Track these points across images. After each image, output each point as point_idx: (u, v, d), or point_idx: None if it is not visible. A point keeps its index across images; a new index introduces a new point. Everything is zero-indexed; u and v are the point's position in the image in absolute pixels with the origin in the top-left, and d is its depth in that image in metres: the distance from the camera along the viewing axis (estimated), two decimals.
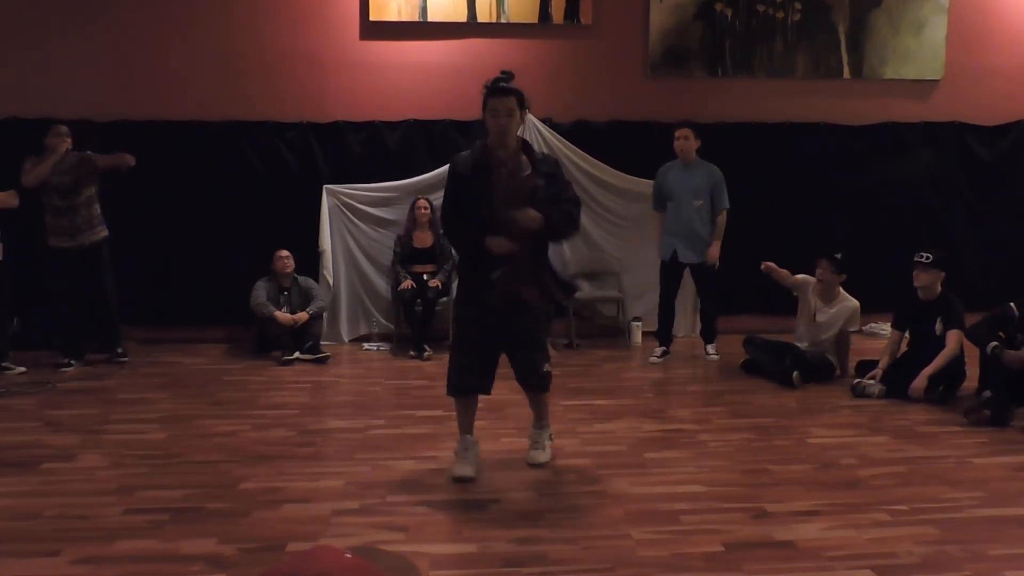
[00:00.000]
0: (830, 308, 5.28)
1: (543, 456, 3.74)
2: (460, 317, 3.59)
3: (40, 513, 3.13)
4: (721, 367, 5.69)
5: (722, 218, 5.76)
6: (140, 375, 5.43)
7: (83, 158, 5.52)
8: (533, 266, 3.42)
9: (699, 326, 6.28)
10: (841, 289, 5.32)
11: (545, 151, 6.40)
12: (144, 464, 3.67)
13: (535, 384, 3.64)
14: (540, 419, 3.78)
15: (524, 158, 3.44)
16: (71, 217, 5.50)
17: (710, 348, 5.94)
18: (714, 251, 5.73)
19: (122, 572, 2.68)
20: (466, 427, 3.64)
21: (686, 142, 5.72)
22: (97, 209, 5.62)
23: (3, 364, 5.36)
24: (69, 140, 5.52)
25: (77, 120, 6.09)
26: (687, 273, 5.97)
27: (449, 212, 3.50)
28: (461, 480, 3.48)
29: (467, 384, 3.56)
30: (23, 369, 5.36)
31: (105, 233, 5.67)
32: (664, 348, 5.95)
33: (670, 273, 5.88)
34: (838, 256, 5.26)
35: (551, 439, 3.82)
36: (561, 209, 3.39)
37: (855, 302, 5.27)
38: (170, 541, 2.89)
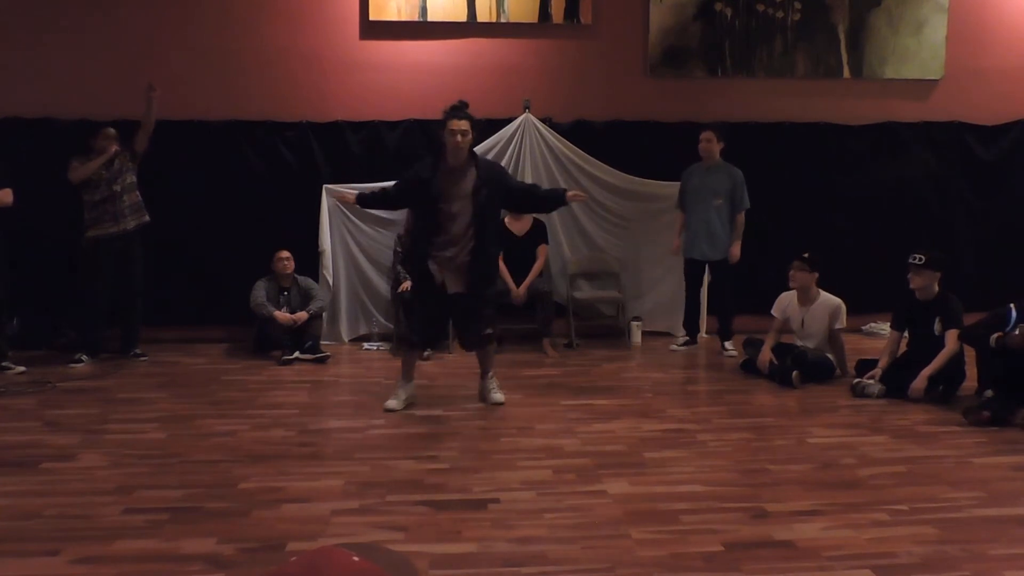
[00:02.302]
0: (811, 309, 5.28)
1: (502, 395, 4.63)
2: (420, 290, 4.47)
3: (40, 512, 3.12)
4: (721, 367, 5.69)
5: (741, 218, 5.98)
6: (140, 375, 5.44)
7: (131, 153, 5.74)
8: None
9: (700, 328, 6.41)
10: (820, 290, 5.32)
11: (544, 151, 6.44)
12: (144, 464, 3.67)
13: (479, 343, 4.57)
14: (487, 370, 4.65)
15: (472, 166, 4.35)
16: (115, 203, 5.64)
17: (727, 344, 6.04)
18: (735, 250, 5.98)
19: (121, 572, 2.68)
20: (409, 375, 4.58)
21: (709, 144, 5.97)
22: (138, 195, 5.76)
23: (2, 364, 5.36)
24: (116, 146, 5.66)
25: (77, 120, 6.10)
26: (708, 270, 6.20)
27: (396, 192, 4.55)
28: (388, 411, 4.42)
29: (422, 342, 4.64)
30: (23, 369, 5.36)
31: (147, 219, 5.81)
32: (688, 337, 6.21)
33: (692, 270, 6.14)
34: (806, 255, 5.27)
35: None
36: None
37: (837, 300, 5.27)
38: (169, 541, 2.89)
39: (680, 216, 6.14)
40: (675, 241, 6.17)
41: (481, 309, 4.47)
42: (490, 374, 4.67)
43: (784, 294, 5.45)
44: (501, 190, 4.38)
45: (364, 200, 4.78)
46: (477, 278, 4.38)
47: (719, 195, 5.95)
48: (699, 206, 6.00)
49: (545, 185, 6.44)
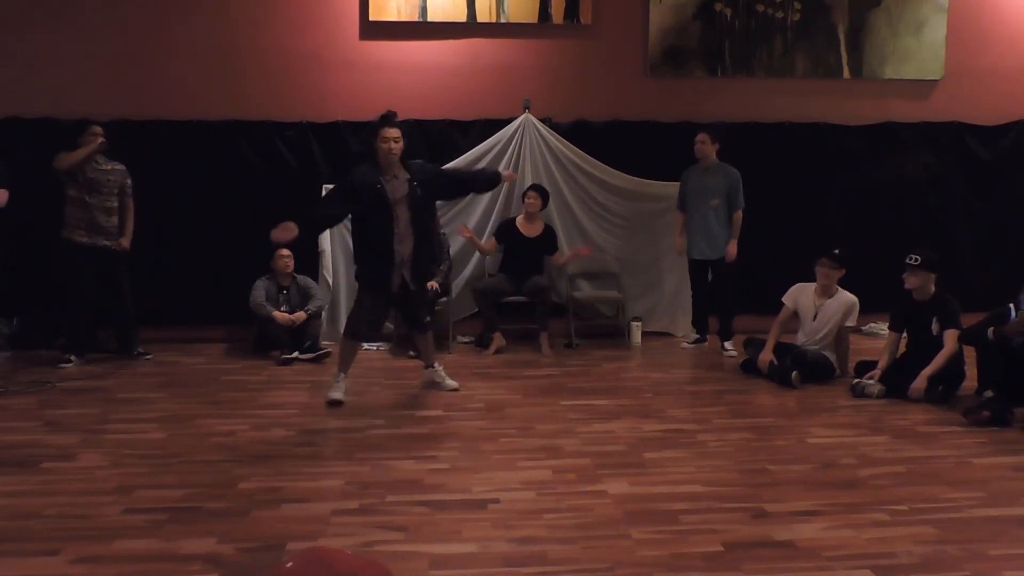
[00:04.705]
0: (827, 302, 5.27)
1: (453, 382, 4.94)
2: (366, 284, 4.65)
3: (40, 512, 3.13)
4: (721, 367, 5.69)
5: (737, 216, 6.03)
6: (139, 375, 5.44)
7: (123, 181, 5.75)
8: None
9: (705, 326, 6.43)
10: (838, 286, 5.33)
11: (544, 151, 6.45)
12: (143, 463, 3.67)
13: (421, 328, 4.89)
14: (430, 359, 4.97)
15: (404, 171, 4.57)
16: (92, 215, 5.61)
17: (727, 344, 6.07)
18: (732, 248, 6.02)
19: (121, 571, 2.68)
20: (346, 368, 4.73)
21: (702, 146, 6.04)
22: (116, 220, 5.73)
23: None
24: (102, 138, 5.61)
25: (77, 120, 6.09)
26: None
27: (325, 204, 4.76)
28: (334, 404, 4.57)
29: (366, 334, 4.79)
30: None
31: (126, 246, 5.76)
32: (698, 336, 6.30)
33: (695, 269, 6.20)
34: (836, 251, 5.28)
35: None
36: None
37: (853, 296, 5.28)
38: (169, 540, 2.89)
39: (680, 217, 6.21)
40: (677, 240, 6.23)
41: (424, 297, 4.89)
42: (435, 365, 4.97)
43: (798, 285, 5.41)
44: (437, 187, 4.70)
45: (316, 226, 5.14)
46: (420, 272, 4.68)
47: (716, 196, 6.00)
48: (697, 207, 6.07)
49: (545, 184, 6.47)
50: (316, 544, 2.81)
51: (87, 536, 2.91)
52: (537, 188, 6.24)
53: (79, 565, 2.71)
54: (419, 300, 4.78)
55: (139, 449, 3.87)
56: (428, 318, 4.95)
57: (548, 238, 6.28)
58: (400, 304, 4.82)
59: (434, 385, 4.95)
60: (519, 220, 6.25)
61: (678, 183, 6.34)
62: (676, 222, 6.26)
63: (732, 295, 6.10)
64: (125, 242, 5.76)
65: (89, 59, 6.29)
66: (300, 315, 5.85)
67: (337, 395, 4.63)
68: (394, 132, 4.51)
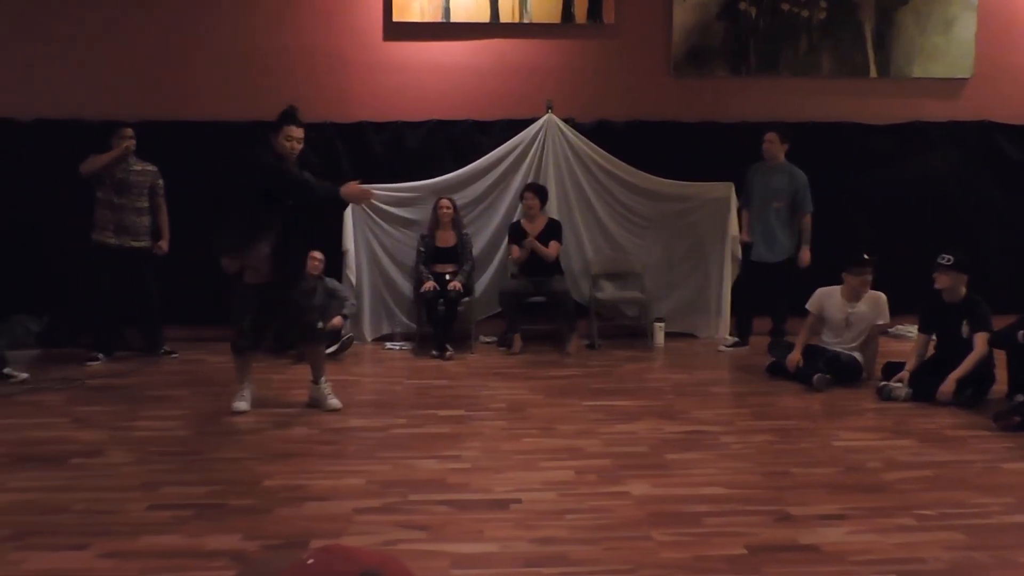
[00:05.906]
0: (857, 305, 5.19)
1: (336, 401, 4.53)
2: (246, 294, 4.37)
3: (68, 507, 3.17)
4: (745, 369, 5.64)
5: (807, 220, 5.94)
6: (165, 373, 5.50)
7: (154, 181, 5.80)
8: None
9: (723, 329, 6.42)
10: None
11: (566, 151, 6.44)
12: (169, 460, 3.72)
13: (309, 338, 4.60)
14: (318, 374, 4.57)
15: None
16: (121, 216, 5.67)
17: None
18: (804, 255, 5.93)
19: (147, 566, 2.71)
20: (244, 378, 4.54)
21: (771, 145, 5.96)
22: (147, 221, 5.79)
23: (3, 371, 5.13)
24: (132, 141, 5.67)
25: (102, 121, 6.16)
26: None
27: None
28: (237, 413, 4.39)
29: (251, 346, 4.53)
30: (26, 376, 5.17)
31: (164, 249, 5.86)
32: (737, 339, 6.19)
33: (751, 272, 6.13)
34: (865, 256, 5.20)
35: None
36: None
37: (879, 292, 5.21)
38: (194, 537, 2.92)
39: (745, 215, 6.14)
40: (743, 235, 6.15)
41: (303, 302, 4.61)
42: (321, 381, 4.58)
43: (822, 290, 5.32)
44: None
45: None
46: (291, 275, 4.43)
47: (779, 198, 5.91)
48: (758, 209, 5.99)
49: (568, 187, 6.44)
50: (337, 541, 2.83)
51: (114, 531, 2.95)
52: (533, 188, 6.22)
53: (106, 560, 2.75)
54: (297, 305, 4.49)
55: (165, 446, 3.92)
56: (320, 324, 4.72)
57: (552, 231, 6.25)
58: (280, 312, 4.51)
59: (316, 403, 4.57)
60: (523, 220, 6.25)
61: (700, 183, 6.30)
62: (743, 220, 6.16)
63: (786, 298, 5.95)
64: (164, 245, 5.84)
65: (113, 60, 6.37)
66: (337, 321, 5.89)
67: (242, 405, 4.47)
68: (300, 132, 4.38)
